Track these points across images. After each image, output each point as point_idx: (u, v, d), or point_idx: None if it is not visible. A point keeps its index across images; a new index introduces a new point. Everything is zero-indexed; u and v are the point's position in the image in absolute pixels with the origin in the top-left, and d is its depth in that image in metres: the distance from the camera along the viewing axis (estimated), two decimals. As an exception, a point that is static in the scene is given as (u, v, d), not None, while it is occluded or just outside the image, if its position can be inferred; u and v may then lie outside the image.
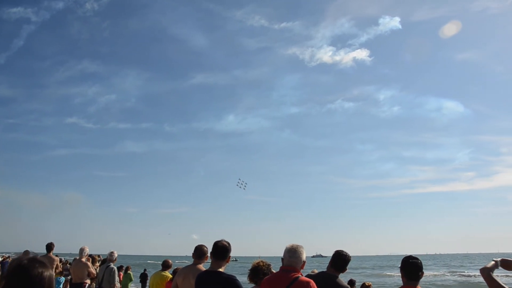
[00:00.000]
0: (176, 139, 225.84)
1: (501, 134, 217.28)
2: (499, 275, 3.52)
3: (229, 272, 4.14)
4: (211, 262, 4.28)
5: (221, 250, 4.19)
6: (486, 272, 3.64)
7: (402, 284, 3.88)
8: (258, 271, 4.64)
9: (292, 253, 3.90)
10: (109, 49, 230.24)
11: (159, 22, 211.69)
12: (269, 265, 4.70)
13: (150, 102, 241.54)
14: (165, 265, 8.41)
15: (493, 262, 3.75)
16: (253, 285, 4.66)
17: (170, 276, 7.70)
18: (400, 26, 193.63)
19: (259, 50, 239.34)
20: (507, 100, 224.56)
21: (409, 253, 4.00)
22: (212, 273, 4.08)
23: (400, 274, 3.90)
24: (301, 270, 3.92)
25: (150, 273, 15.01)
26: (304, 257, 3.93)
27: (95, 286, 10.19)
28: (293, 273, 3.80)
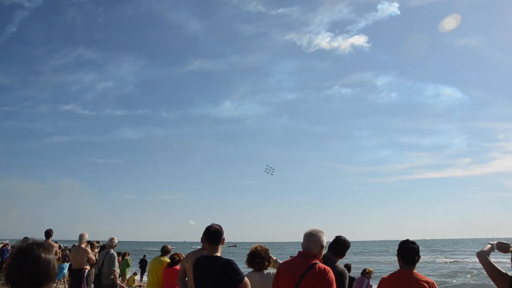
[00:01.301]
0: (173, 125, 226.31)
1: (498, 120, 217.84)
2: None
3: (228, 257, 4.13)
4: (207, 248, 4.27)
5: (215, 234, 4.17)
6: (483, 255, 3.67)
7: (398, 268, 3.92)
8: (256, 255, 4.66)
9: (310, 237, 3.85)
10: (104, 35, 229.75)
11: (154, 8, 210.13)
12: (267, 249, 4.71)
13: (147, 88, 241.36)
14: (164, 251, 8.46)
15: (489, 246, 3.78)
16: (251, 269, 4.69)
17: (168, 260, 7.74)
18: (398, 12, 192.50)
19: (256, 36, 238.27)
20: (505, 87, 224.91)
21: (406, 238, 4.01)
22: (209, 258, 4.07)
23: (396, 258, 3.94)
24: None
25: (150, 259, 15.15)
26: (323, 242, 3.87)
27: (95, 271, 10.27)
28: (311, 259, 3.74)
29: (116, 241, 9.96)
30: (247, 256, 4.74)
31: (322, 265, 3.70)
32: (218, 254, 4.12)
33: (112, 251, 9.66)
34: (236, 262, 4.00)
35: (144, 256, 26.30)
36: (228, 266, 3.93)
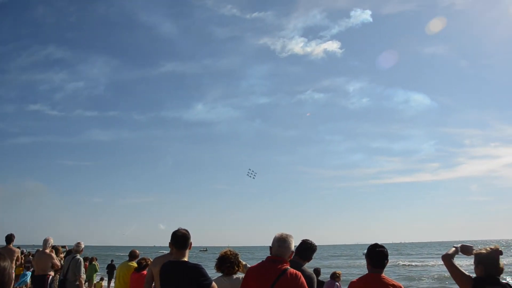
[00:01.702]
0: (144, 127, 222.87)
1: (464, 126, 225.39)
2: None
3: (199, 262, 4.06)
4: (174, 252, 4.18)
5: (181, 239, 4.10)
6: (447, 258, 3.76)
7: (367, 272, 3.95)
8: (225, 260, 4.60)
9: (282, 243, 3.79)
10: (76, 34, 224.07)
11: (127, 8, 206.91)
12: (236, 254, 4.66)
13: (118, 90, 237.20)
14: (132, 255, 8.27)
15: (453, 249, 3.89)
16: (220, 274, 4.63)
17: (136, 265, 7.58)
18: (371, 19, 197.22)
19: (230, 39, 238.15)
20: (471, 94, 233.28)
21: (375, 242, 4.05)
22: (176, 263, 3.99)
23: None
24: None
25: (118, 264, 14.81)
26: (293, 247, 3.85)
27: (59, 277, 9.93)
28: (281, 264, 3.69)
29: (82, 245, 9.65)
30: (216, 260, 4.68)
31: (293, 270, 3.67)
32: (185, 258, 4.05)
33: (78, 256, 9.36)
34: (203, 267, 3.95)
35: (112, 261, 25.71)
36: (196, 270, 3.86)
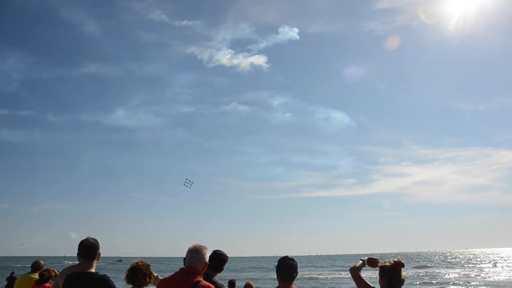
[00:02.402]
0: (61, 130, 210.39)
1: (379, 145, 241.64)
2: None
3: (112, 273, 3.82)
4: (80, 263, 3.92)
5: (89, 249, 3.87)
6: (355, 271, 3.93)
7: (277, 284, 3.98)
8: (137, 271, 4.42)
9: (195, 254, 3.69)
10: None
11: (48, 2, 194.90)
12: (148, 265, 4.50)
13: (33, 88, 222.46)
14: (35, 267, 7.63)
15: (360, 261, 4.07)
16: (130, 285, 4.43)
17: (37, 277, 7.00)
18: (298, 37, 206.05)
19: (157, 45, 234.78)
20: (386, 115, 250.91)
21: (294, 254, 4.11)
22: (82, 274, 3.73)
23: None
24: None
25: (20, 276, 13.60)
26: (207, 258, 3.77)
27: None
28: (194, 276, 3.60)
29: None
30: (126, 271, 4.47)
31: (206, 283, 3.62)
32: (93, 270, 3.81)
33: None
34: (111, 278, 3.74)
35: (13, 273, 23.48)
36: (102, 282, 3.64)
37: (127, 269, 4.50)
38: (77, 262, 4.94)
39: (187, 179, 35.73)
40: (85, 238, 3.98)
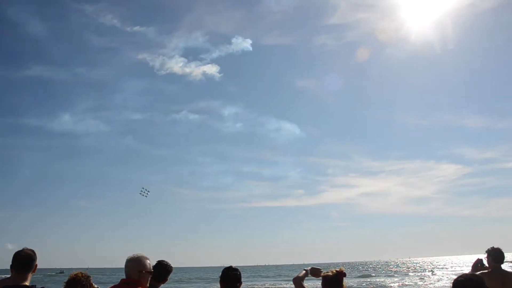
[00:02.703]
0: (0, 134, 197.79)
1: (328, 157, 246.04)
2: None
3: (54, 286, 3.62)
4: (12, 275, 3.67)
5: (25, 260, 3.64)
6: (298, 281, 4.00)
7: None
8: (76, 283, 4.24)
9: (128, 262, 3.58)
10: None
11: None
12: (88, 276, 4.33)
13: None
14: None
15: (304, 272, 4.15)
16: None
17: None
18: (251, 48, 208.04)
19: (107, 50, 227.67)
20: (335, 128, 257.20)
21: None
22: (15, 288, 3.52)
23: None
24: None
25: None
26: (143, 266, 3.61)
27: None
28: (134, 286, 3.49)
29: None
30: (64, 284, 4.28)
31: None
32: (27, 283, 3.59)
33: None
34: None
35: None
36: (36, 295, 3.45)
37: (65, 281, 4.33)
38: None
39: (143, 188, 35.32)
40: (21, 249, 3.76)
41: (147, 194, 35.45)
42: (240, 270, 3.88)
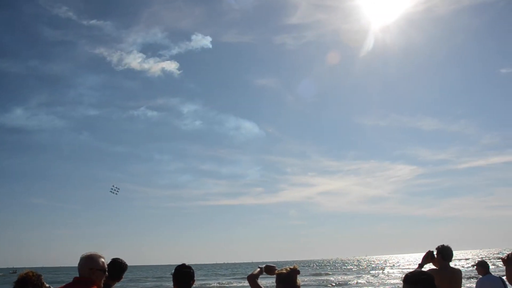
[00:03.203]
0: None
1: (287, 155, 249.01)
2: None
3: (6, 286, 3.50)
4: None
5: None
6: (252, 279, 4.09)
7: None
8: (26, 282, 4.12)
9: (85, 261, 3.49)
10: None
11: None
12: (39, 275, 4.22)
13: None
14: None
15: (258, 269, 4.25)
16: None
17: None
18: (210, 46, 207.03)
19: (62, 43, 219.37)
20: (294, 127, 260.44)
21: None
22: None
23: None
24: None
25: None
26: (93, 264, 3.51)
27: None
28: (87, 285, 3.40)
29: None
30: (14, 283, 4.15)
31: None
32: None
33: None
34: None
35: None
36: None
37: (15, 280, 4.20)
38: None
39: (113, 185, 35.21)
40: None
41: (117, 191, 35.08)
42: (193, 268, 3.91)
